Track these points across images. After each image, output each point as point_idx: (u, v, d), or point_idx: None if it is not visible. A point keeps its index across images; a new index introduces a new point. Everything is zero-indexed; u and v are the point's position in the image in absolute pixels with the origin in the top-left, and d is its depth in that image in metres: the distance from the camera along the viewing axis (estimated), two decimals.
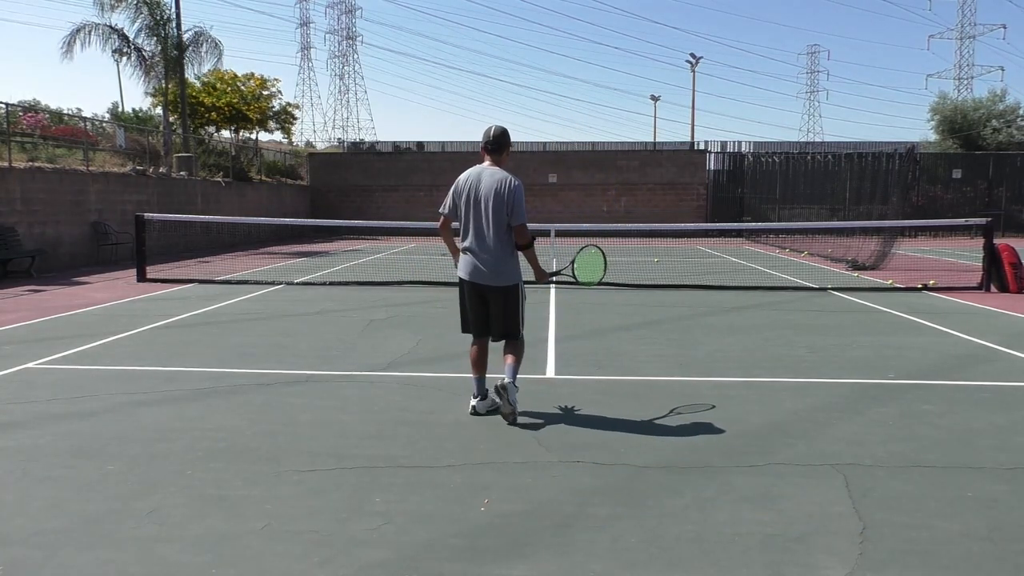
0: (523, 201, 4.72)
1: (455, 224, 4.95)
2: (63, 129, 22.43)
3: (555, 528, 3.32)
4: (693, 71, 48.21)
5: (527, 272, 4.91)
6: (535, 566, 2.99)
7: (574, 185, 32.10)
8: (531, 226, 4.87)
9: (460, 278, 4.88)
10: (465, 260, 4.81)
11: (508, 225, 4.71)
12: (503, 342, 4.93)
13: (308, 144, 52.76)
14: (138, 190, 19.02)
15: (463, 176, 4.84)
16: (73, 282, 13.13)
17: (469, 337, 5.03)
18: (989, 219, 13.19)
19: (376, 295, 11.30)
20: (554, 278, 5.24)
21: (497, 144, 4.83)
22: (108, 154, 20.89)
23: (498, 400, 4.81)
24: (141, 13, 22.62)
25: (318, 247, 23.37)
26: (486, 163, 4.83)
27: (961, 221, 16.22)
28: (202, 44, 24.48)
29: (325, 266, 16.42)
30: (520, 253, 4.83)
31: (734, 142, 34.25)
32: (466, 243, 4.80)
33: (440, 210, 4.97)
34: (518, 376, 4.89)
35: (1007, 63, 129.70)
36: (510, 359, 4.85)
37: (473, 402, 4.99)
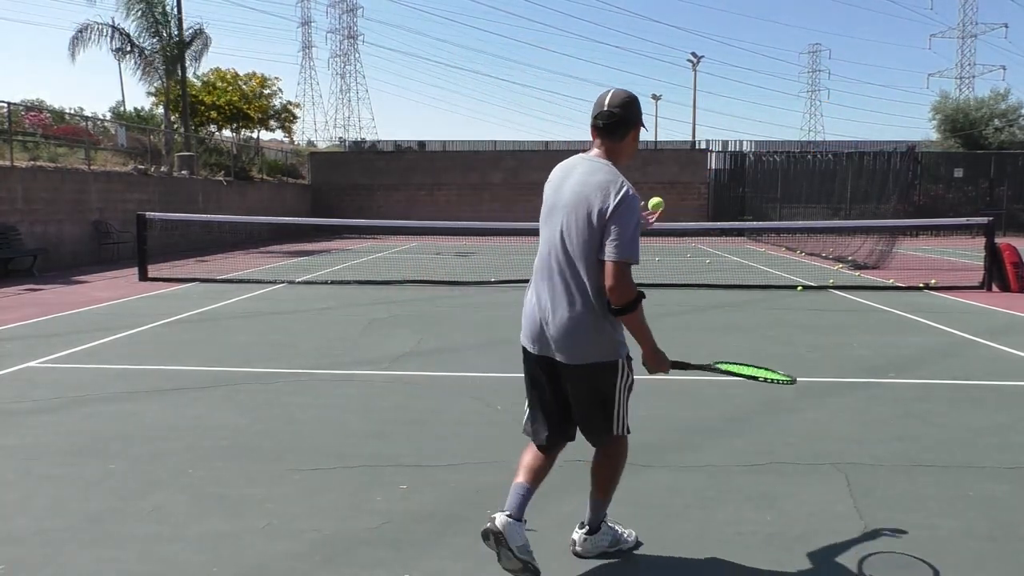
0: (633, 228, 2.69)
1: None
2: (65, 128, 22.44)
3: (556, 527, 3.32)
4: (694, 70, 48.18)
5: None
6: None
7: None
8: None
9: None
10: (525, 311, 2.93)
11: (599, 261, 2.72)
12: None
13: (309, 143, 52.76)
14: (139, 189, 19.03)
15: (554, 172, 2.99)
16: (74, 281, 13.14)
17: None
18: (990, 218, 13.18)
19: (377, 294, 11.31)
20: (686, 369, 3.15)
21: (612, 120, 2.79)
22: (110, 153, 20.91)
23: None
24: (142, 11, 22.60)
25: (319, 246, 23.38)
26: (591, 152, 2.88)
27: (962, 220, 16.23)
28: (199, 42, 24.44)
29: (326, 265, 16.43)
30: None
31: (735, 141, 34.15)
32: (532, 282, 2.94)
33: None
34: (612, 525, 3.11)
35: (1008, 62, 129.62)
36: (597, 487, 3.03)
37: (499, 515, 2.82)
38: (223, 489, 3.75)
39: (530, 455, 2.96)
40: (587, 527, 3.08)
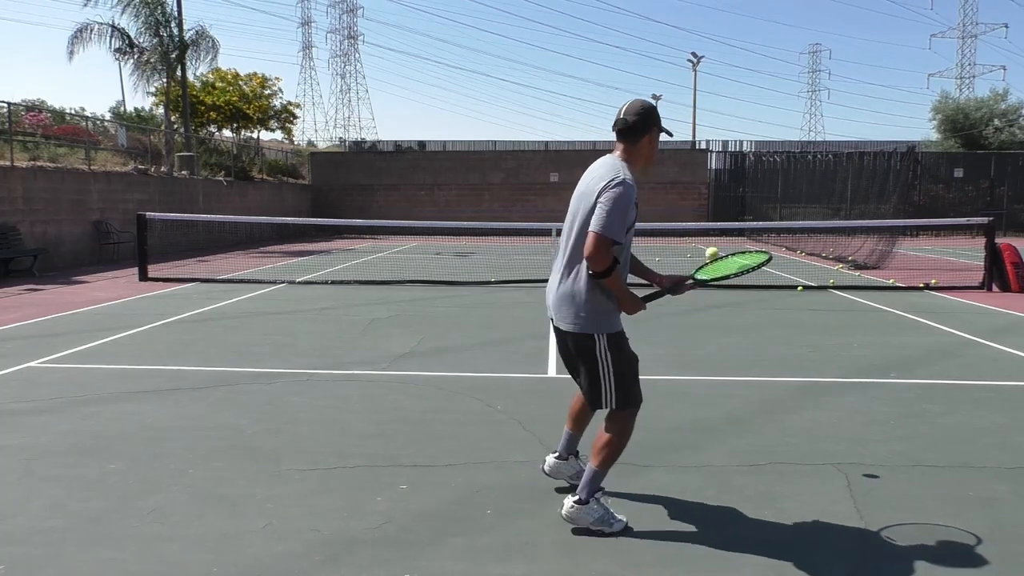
0: (615, 209, 3.05)
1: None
2: (65, 128, 22.44)
3: (556, 527, 3.32)
4: (694, 70, 48.17)
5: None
6: (536, 566, 3.00)
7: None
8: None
9: None
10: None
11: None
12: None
13: (310, 143, 52.80)
14: (140, 189, 19.04)
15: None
16: (75, 281, 13.14)
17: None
18: (991, 218, 13.18)
19: (377, 294, 11.31)
20: (660, 296, 3.58)
21: (625, 126, 3.26)
22: (110, 153, 20.91)
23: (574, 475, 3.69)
24: (143, 12, 22.60)
25: (320, 246, 23.38)
26: (614, 152, 3.34)
27: (963, 220, 16.20)
28: (202, 43, 24.45)
29: (326, 265, 16.43)
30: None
31: (736, 141, 34.03)
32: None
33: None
34: (603, 496, 3.31)
35: (1009, 62, 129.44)
36: (592, 454, 3.30)
37: (548, 456, 3.80)
38: (223, 489, 3.75)
39: (574, 400, 3.63)
40: (577, 496, 3.25)
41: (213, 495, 3.68)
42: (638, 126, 3.24)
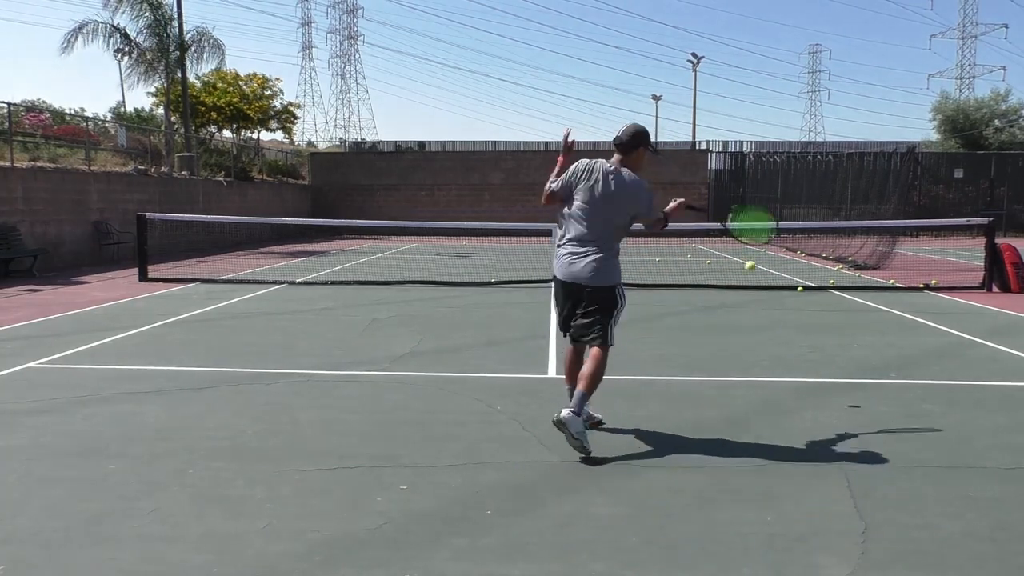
0: (648, 197, 4.42)
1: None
2: (65, 128, 22.44)
3: (556, 528, 3.33)
4: (694, 70, 48.16)
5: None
6: (536, 566, 3.00)
7: None
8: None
9: (554, 276, 4.60)
10: (562, 258, 4.47)
11: (620, 227, 4.44)
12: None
13: (310, 144, 52.76)
14: (140, 190, 19.04)
15: (586, 162, 4.47)
16: (75, 281, 13.14)
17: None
18: (991, 219, 13.18)
19: (377, 295, 11.31)
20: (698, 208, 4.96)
21: (620, 143, 4.41)
22: (110, 154, 20.92)
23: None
24: (143, 13, 22.61)
25: (319, 246, 23.38)
26: (615, 159, 4.44)
27: (963, 221, 16.21)
28: (204, 44, 24.47)
29: (326, 265, 16.43)
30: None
31: (736, 142, 34.14)
32: (568, 237, 4.48)
33: (553, 187, 4.56)
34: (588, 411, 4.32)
35: (1009, 63, 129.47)
36: (580, 381, 4.27)
37: (563, 410, 4.34)
38: (223, 489, 3.75)
39: (568, 364, 4.63)
40: (572, 408, 4.16)
41: (213, 495, 3.68)
42: (631, 144, 4.40)
